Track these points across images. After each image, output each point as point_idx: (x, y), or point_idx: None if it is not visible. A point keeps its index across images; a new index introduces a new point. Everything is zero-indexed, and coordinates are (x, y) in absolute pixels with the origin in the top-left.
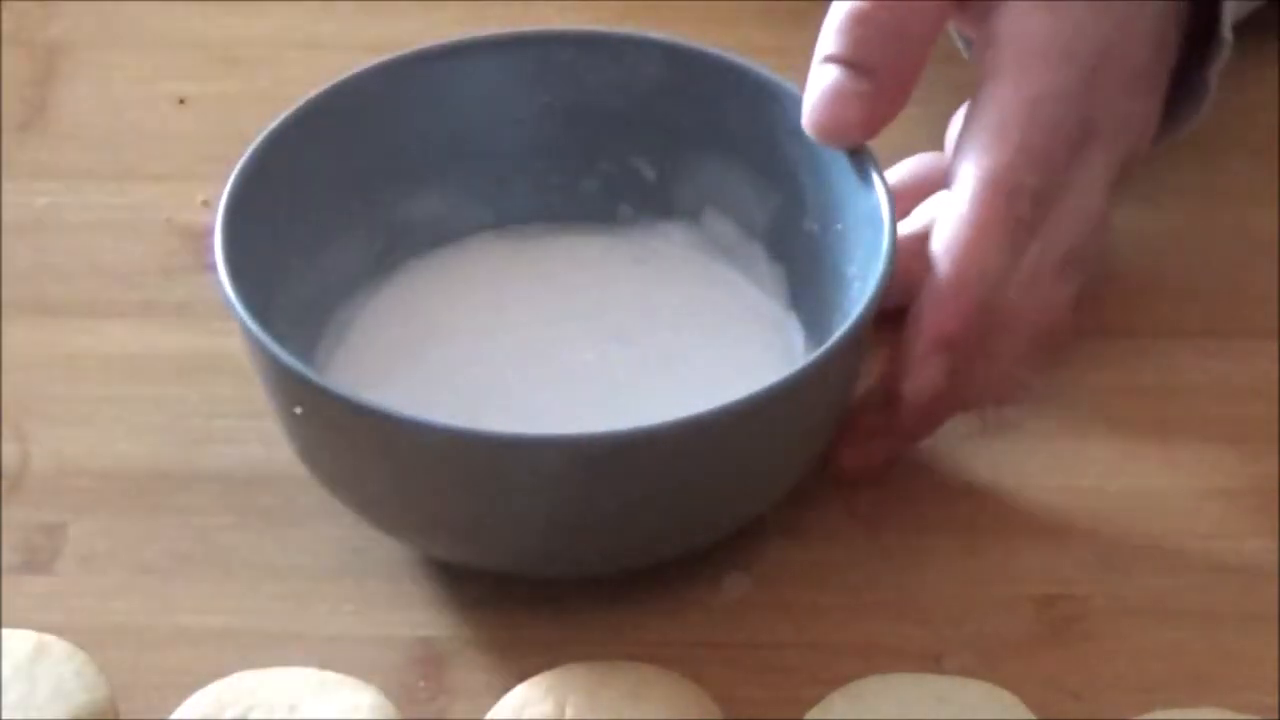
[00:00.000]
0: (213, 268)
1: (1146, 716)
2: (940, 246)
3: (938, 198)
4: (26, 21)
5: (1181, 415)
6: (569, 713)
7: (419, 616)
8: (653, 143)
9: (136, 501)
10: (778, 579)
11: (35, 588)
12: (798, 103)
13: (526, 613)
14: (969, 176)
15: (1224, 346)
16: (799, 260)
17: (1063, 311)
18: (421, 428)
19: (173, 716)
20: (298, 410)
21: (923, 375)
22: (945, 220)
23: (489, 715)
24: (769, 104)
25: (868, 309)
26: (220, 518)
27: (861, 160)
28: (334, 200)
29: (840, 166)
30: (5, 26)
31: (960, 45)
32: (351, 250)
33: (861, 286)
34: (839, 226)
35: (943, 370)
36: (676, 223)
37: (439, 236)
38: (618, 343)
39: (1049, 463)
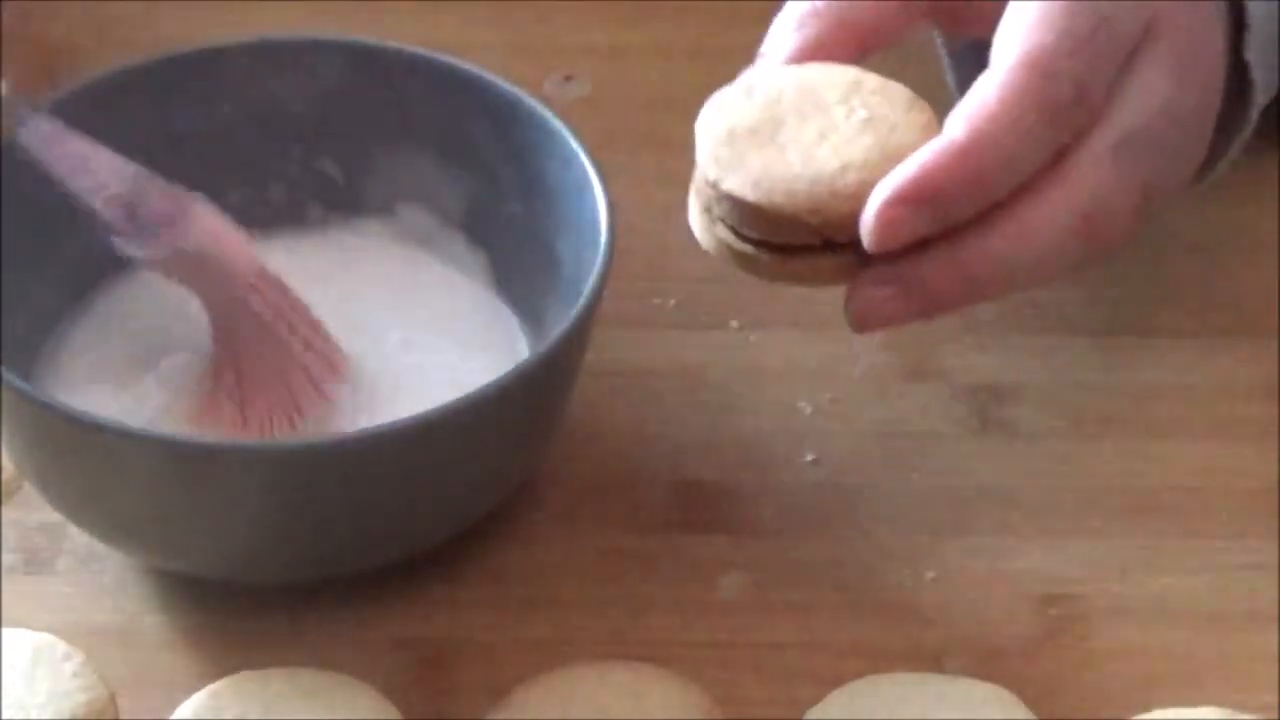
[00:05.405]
0: None
1: (1146, 716)
2: (958, 113)
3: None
4: (26, 21)
5: (1181, 415)
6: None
7: (419, 616)
8: (338, 143)
9: None
10: (778, 579)
11: (35, 588)
12: (486, 87)
13: (526, 613)
14: (1006, 56)
15: (1224, 346)
16: (502, 243)
17: (1115, 200)
18: (132, 436)
19: (173, 716)
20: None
21: (886, 219)
22: (972, 92)
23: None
24: (456, 92)
25: (588, 302)
26: None
27: (560, 137)
28: (32, 230)
29: (537, 146)
30: (5, 26)
31: (946, 67)
32: (53, 279)
33: (576, 266)
34: (540, 205)
35: (910, 225)
36: (370, 218)
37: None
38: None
39: (1049, 463)
